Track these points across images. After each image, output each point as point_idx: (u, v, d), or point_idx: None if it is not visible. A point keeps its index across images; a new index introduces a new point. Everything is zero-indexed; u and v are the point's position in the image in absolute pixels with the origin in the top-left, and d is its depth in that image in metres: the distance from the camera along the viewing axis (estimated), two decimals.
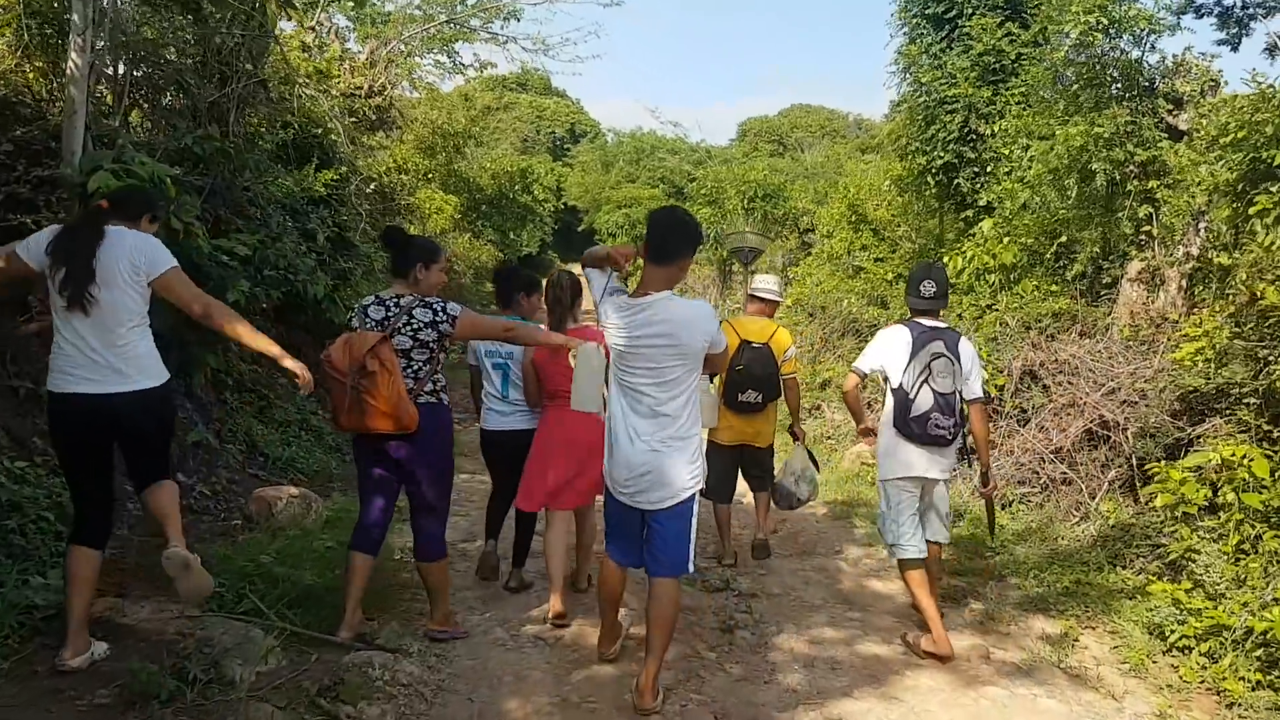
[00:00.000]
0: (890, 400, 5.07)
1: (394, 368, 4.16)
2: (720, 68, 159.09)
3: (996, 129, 11.59)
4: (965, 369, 5.00)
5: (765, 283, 6.61)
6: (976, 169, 11.94)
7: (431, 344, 4.36)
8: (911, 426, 4.91)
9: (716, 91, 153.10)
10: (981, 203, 11.87)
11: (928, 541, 5.15)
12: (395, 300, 4.39)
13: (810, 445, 7.24)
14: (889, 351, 5.05)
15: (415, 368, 4.37)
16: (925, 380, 4.88)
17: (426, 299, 4.39)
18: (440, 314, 4.36)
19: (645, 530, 4.11)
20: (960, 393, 4.99)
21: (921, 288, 5.06)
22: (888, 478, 5.13)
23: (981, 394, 5.13)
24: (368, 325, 4.36)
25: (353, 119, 15.21)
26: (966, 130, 11.91)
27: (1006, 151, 11.12)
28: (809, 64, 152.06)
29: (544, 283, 5.48)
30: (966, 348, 5.08)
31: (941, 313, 5.20)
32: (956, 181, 12.07)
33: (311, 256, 8.34)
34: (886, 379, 5.10)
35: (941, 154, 12.05)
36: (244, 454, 7.95)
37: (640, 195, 36.51)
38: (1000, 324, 9.33)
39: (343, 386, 4.18)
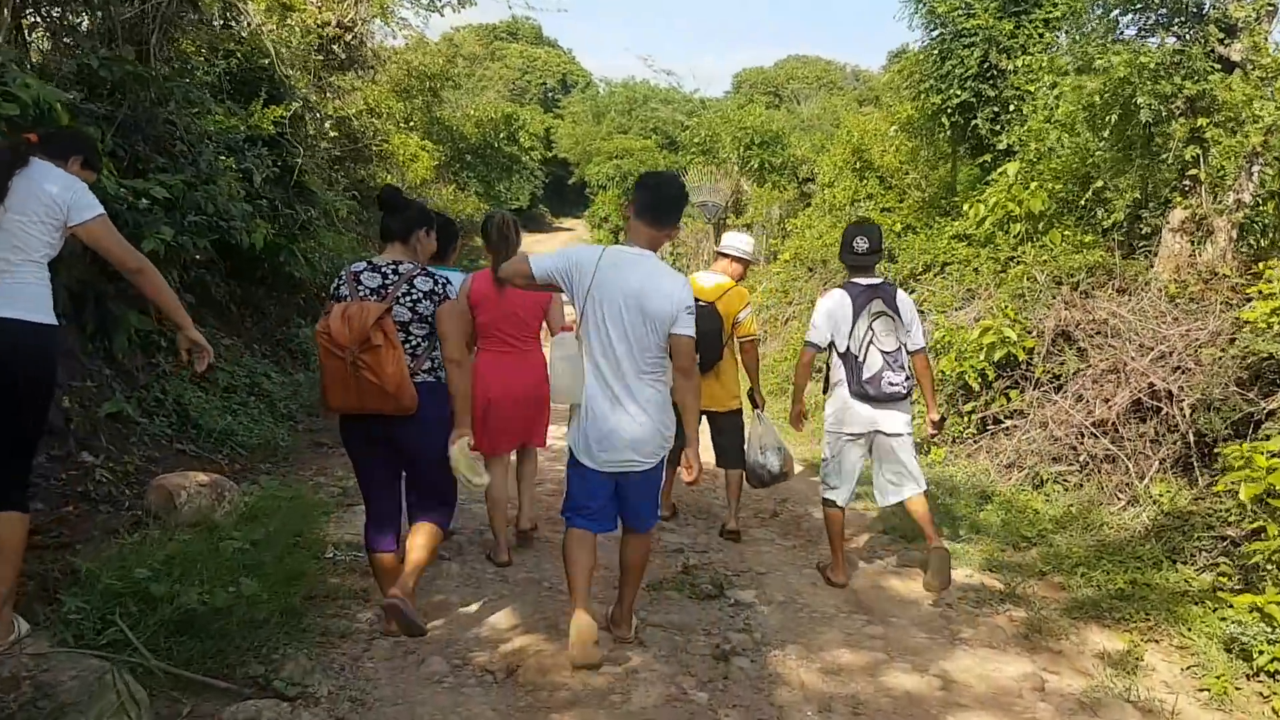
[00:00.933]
0: (839, 365, 5.14)
1: (397, 342, 3.80)
2: (714, 18, 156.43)
3: (1019, 64, 10.52)
4: (905, 322, 5.08)
5: (733, 239, 6.28)
6: (996, 108, 10.88)
7: (429, 318, 3.96)
8: (866, 388, 4.98)
9: (710, 43, 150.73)
10: (1001, 146, 10.81)
11: (909, 501, 5.22)
12: (393, 267, 3.99)
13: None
14: (834, 318, 5.09)
15: (414, 343, 3.95)
16: (870, 341, 4.97)
17: (427, 268, 4.08)
18: (439, 285, 4.01)
19: (618, 491, 4.01)
20: (904, 347, 5.08)
21: (855, 244, 5.11)
22: (833, 430, 5.23)
23: (923, 344, 5.25)
24: (361, 294, 3.92)
25: (320, 56, 14.11)
26: (986, 66, 10.82)
27: (1031, 88, 10.06)
28: (804, 12, 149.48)
29: (484, 224, 5.16)
30: (904, 300, 5.15)
31: (878, 267, 5.30)
32: (974, 122, 11.00)
33: (249, 201, 7.28)
34: (832, 345, 5.13)
35: (958, 92, 10.96)
36: (174, 426, 6.98)
37: (632, 146, 35.17)
38: (1028, 279, 8.34)
39: (340, 364, 3.76)
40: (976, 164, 11.43)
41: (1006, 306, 8.03)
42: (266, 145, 9.09)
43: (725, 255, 6.15)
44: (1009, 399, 7.82)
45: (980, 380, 7.87)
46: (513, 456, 5.47)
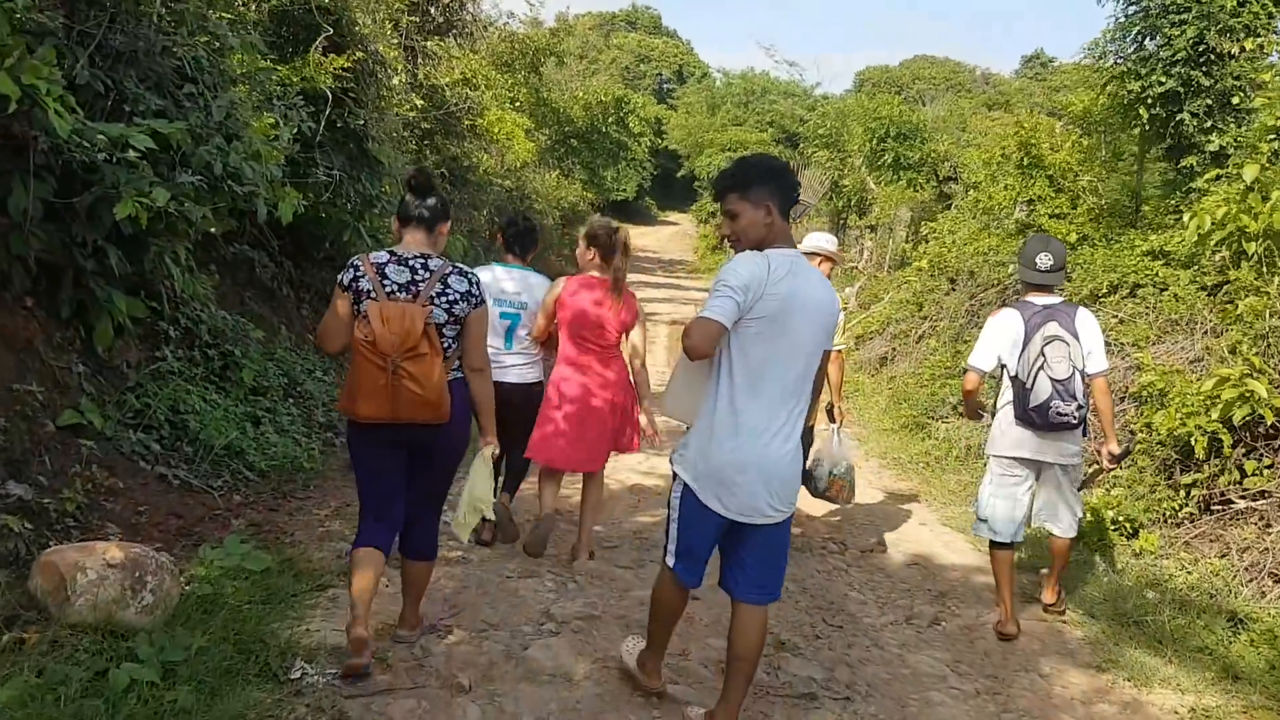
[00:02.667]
0: (1008, 386, 4.79)
1: (440, 348, 3.54)
2: (840, 15, 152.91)
3: (1248, 46, 8.46)
4: (1086, 345, 4.65)
5: (819, 240, 5.94)
6: (1210, 101, 8.81)
7: (463, 320, 3.67)
8: (1032, 416, 4.62)
9: (834, 41, 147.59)
10: (1212, 147, 8.79)
11: (1052, 536, 4.97)
12: (422, 261, 3.65)
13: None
14: (1002, 340, 4.75)
15: (445, 344, 3.62)
16: (1040, 367, 4.58)
17: (459, 265, 3.74)
18: (475, 288, 3.71)
19: (735, 547, 3.35)
20: (1081, 373, 4.61)
21: (1038, 260, 4.74)
22: (996, 453, 4.88)
23: (1105, 366, 4.78)
24: (388, 290, 3.57)
25: (414, 18, 12.73)
26: (1201, 48, 8.76)
27: (1265, 76, 8.02)
28: (934, 10, 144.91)
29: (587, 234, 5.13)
30: (1086, 320, 4.73)
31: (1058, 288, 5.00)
32: (1180, 117, 8.94)
33: (287, 165, 5.74)
34: (1004, 366, 4.79)
35: (1162, 79, 8.92)
36: (163, 441, 5.52)
37: (747, 139, 33.31)
38: (1272, 315, 6.35)
39: (380, 372, 3.43)
40: (1178, 167, 9.35)
41: (1248, 350, 6.08)
42: (321, 102, 7.61)
43: (813, 257, 5.67)
44: (1243, 473, 5.88)
45: (1208, 446, 5.94)
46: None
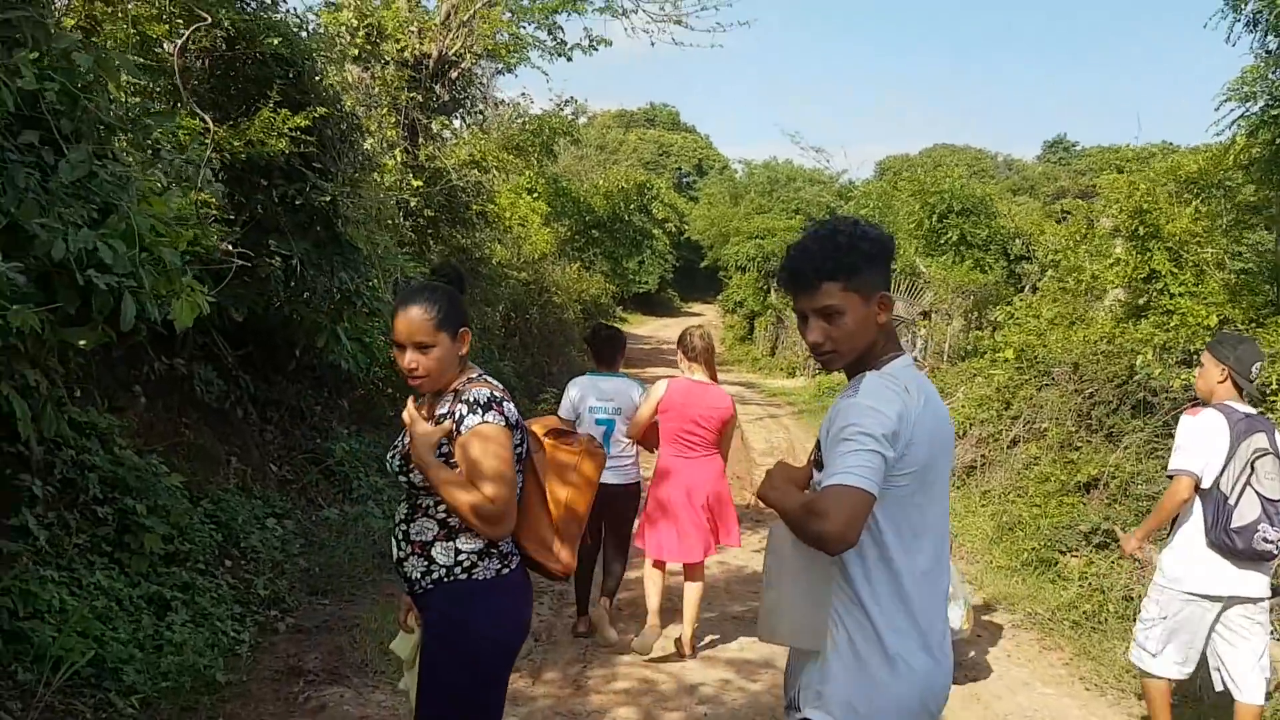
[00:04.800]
0: (1198, 505, 4.09)
1: None
2: (858, 108, 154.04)
3: None
4: None
5: None
6: None
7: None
8: (1234, 540, 3.95)
9: (852, 134, 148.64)
10: None
11: (1240, 703, 4.10)
12: None
13: None
14: (1208, 445, 4.02)
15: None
16: (1248, 482, 3.97)
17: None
18: None
19: None
20: None
21: (1254, 370, 4.12)
22: (1177, 588, 4.11)
23: None
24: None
25: (415, 94, 11.26)
26: None
27: None
28: (953, 102, 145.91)
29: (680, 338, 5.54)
30: None
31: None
32: None
33: (179, 245, 3.95)
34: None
35: None
36: None
37: (775, 226, 31.50)
38: None
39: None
40: None
41: None
42: (291, 177, 5.92)
43: None
44: None
45: None
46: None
